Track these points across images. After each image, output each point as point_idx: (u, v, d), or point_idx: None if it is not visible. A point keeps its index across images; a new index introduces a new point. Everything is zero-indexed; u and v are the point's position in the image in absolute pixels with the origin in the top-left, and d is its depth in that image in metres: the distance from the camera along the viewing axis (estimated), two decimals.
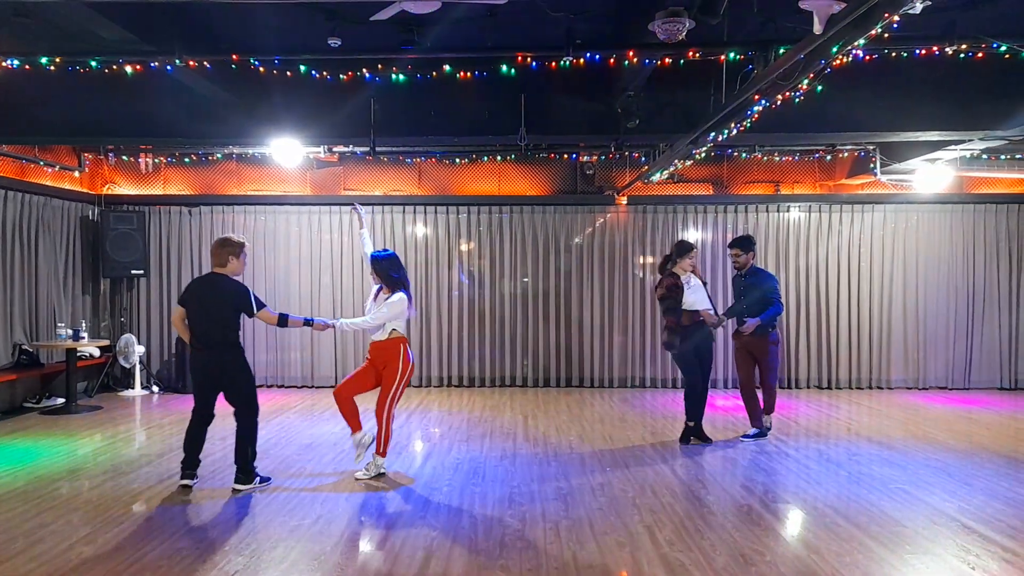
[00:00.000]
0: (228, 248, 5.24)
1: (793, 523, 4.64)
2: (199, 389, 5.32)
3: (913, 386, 9.90)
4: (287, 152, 8.31)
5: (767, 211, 9.97)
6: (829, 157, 9.83)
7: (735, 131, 6.21)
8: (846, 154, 9.55)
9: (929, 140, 7.66)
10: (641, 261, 10.06)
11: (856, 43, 3.81)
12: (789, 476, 5.60)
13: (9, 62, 5.60)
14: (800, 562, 3.92)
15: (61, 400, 8.51)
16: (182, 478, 5.28)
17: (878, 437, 6.96)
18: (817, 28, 3.50)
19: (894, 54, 5.47)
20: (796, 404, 8.74)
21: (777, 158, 9.80)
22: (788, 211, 9.98)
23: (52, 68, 5.76)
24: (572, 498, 5.01)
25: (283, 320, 5.35)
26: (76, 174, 9.52)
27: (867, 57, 5.10)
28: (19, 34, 5.91)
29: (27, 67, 5.69)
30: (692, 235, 9.99)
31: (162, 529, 4.40)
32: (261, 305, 5.28)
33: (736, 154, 9.65)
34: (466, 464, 5.94)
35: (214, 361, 5.20)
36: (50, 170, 9.00)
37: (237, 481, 5.22)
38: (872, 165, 9.07)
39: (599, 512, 4.72)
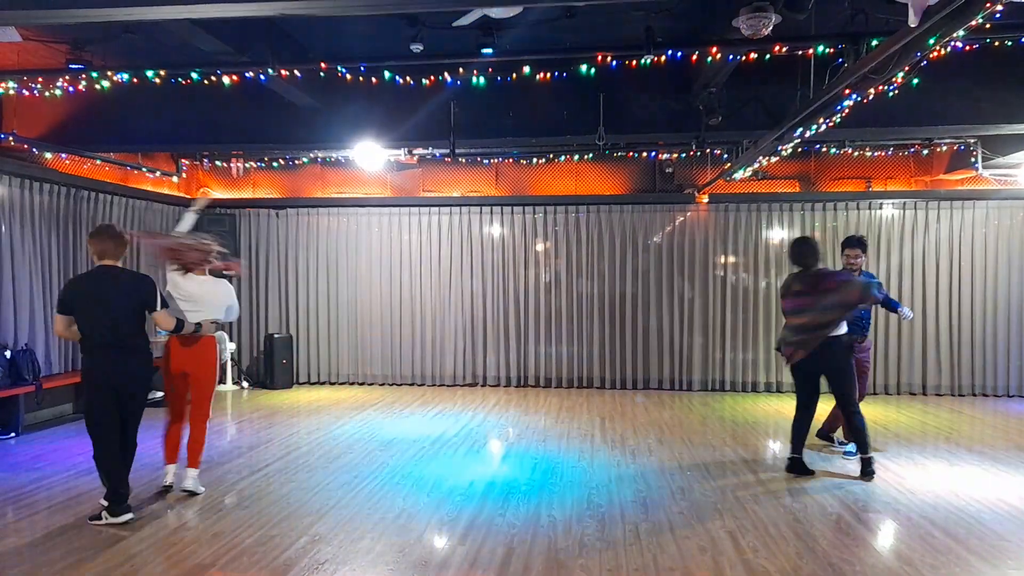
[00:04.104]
0: (122, 238, 4.66)
1: (885, 533, 4.45)
2: (101, 398, 4.52)
3: (1020, 394, 9.31)
4: (369, 155, 8.55)
5: (857, 208, 9.58)
6: (926, 152, 9.36)
7: (823, 127, 6.00)
8: (944, 148, 9.06)
9: None
10: (723, 261, 9.85)
11: (955, 34, 3.63)
12: (881, 485, 5.37)
13: (119, 76, 5.99)
14: (892, 574, 3.76)
15: (160, 393, 8.99)
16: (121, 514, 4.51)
17: (980, 447, 6.59)
18: (912, 21, 3.35)
19: (996, 43, 5.16)
20: (889, 411, 8.37)
21: (869, 153, 9.42)
22: (880, 208, 9.56)
23: (158, 81, 6.13)
24: (651, 501, 4.97)
25: (179, 326, 4.84)
26: (174, 179, 10.08)
27: (966, 47, 4.84)
28: (127, 50, 6.33)
29: (135, 80, 6.06)
30: (777, 234, 9.72)
31: (255, 518, 4.62)
32: (164, 304, 4.78)
33: (824, 150, 9.32)
34: (543, 464, 5.97)
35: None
36: (151, 176, 9.56)
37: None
38: (973, 159, 8.59)
39: (679, 516, 4.66)
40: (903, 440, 6.85)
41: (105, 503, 4.52)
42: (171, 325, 4.79)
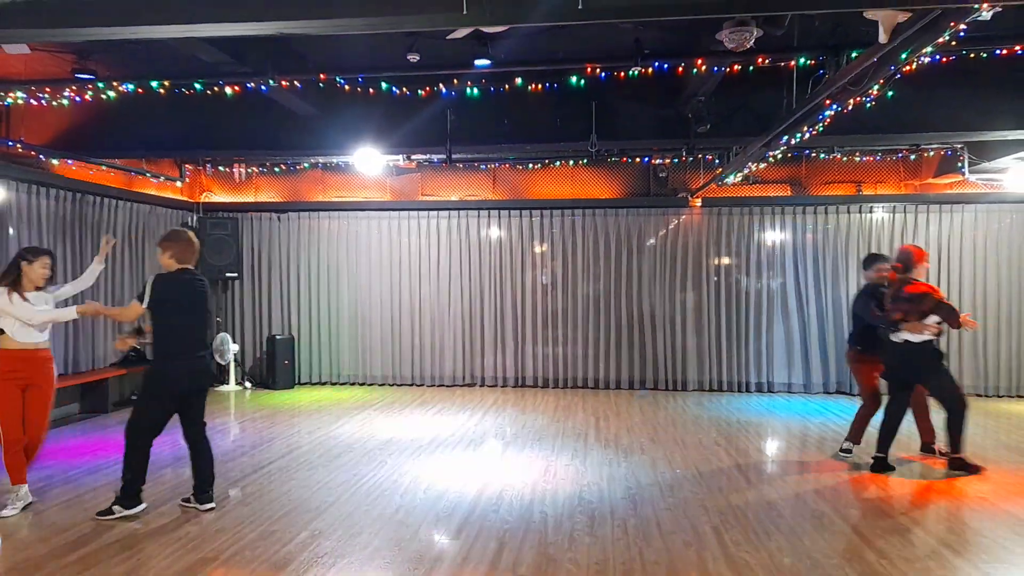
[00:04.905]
0: (195, 243, 4.83)
1: (865, 528, 4.61)
2: (170, 402, 4.78)
3: (1009, 394, 9.46)
4: (368, 161, 8.72)
5: (848, 212, 9.74)
6: (914, 156, 9.52)
7: (807, 135, 6.17)
8: (932, 153, 9.24)
9: (1017, 139, 7.36)
10: (716, 263, 10.02)
11: (925, 49, 3.80)
12: (864, 484, 5.54)
13: (125, 86, 6.16)
14: (868, 566, 3.93)
15: None
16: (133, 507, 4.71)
17: (965, 445, 6.73)
18: (883, 38, 3.51)
19: (972, 55, 5.33)
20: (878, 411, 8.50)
21: (858, 158, 9.57)
22: (871, 212, 9.71)
23: (162, 91, 6.31)
24: (641, 498, 5.14)
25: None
26: (178, 184, 10.27)
27: (943, 59, 5.00)
28: (131, 59, 6.51)
29: (140, 90, 6.24)
30: (770, 237, 9.88)
31: (257, 514, 4.79)
32: None
33: (814, 154, 9.49)
34: (538, 463, 6.13)
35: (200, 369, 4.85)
36: (155, 181, 9.74)
37: (208, 500, 4.88)
38: (960, 164, 8.75)
39: (667, 512, 4.83)
40: None
41: (117, 494, 4.71)
42: None
